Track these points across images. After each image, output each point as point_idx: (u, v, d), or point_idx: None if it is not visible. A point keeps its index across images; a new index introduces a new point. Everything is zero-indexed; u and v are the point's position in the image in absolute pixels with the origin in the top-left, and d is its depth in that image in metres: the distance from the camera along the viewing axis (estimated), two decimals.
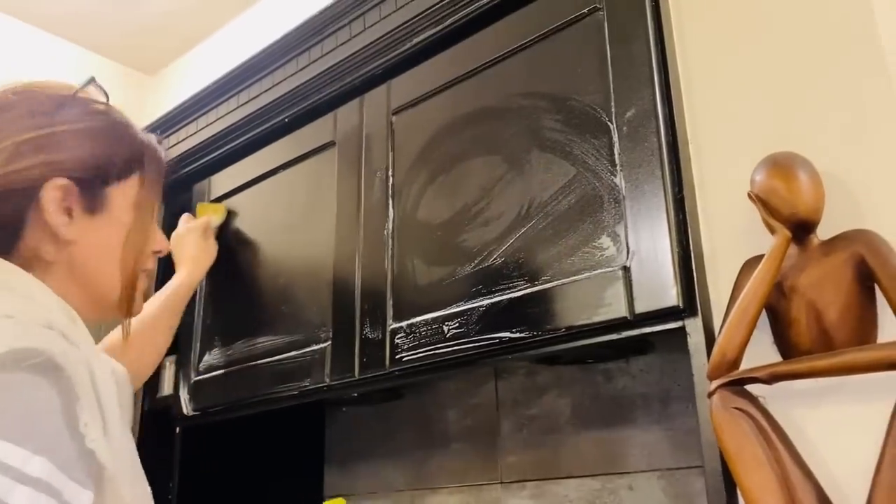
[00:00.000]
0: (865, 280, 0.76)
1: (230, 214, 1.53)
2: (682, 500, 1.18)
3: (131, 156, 0.79)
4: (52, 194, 0.73)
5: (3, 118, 0.74)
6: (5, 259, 0.72)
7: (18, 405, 0.55)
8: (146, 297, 0.96)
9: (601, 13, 1.04)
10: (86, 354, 0.64)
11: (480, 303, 1.06)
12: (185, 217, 1.48)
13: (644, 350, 1.20)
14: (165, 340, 1.26)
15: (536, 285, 1.00)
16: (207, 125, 1.58)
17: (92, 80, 0.82)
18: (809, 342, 0.79)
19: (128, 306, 0.80)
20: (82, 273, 0.76)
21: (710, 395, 0.81)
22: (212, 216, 1.50)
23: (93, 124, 0.77)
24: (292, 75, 1.42)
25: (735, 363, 0.81)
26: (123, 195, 0.79)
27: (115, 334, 1.12)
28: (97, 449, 0.57)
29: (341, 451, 1.70)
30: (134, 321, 1.15)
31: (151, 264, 0.85)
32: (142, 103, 2.67)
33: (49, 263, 0.74)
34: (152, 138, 0.84)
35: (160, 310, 1.25)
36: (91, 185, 0.76)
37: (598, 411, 1.33)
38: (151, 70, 2.73)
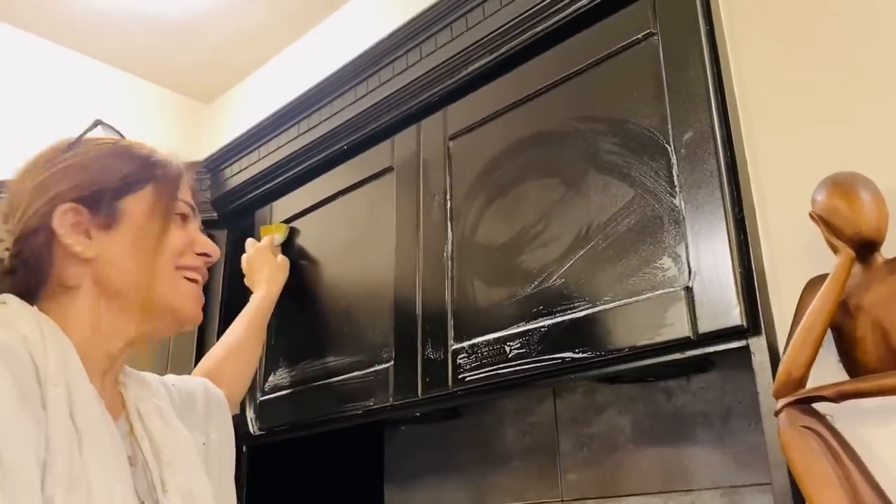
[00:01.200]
0: None
1: (292, 232, 1.57)
2: None
3: (139, 168, 0.85)
4: (62, 219, 0.80)
5: (21, 181, 0.84)
6: (37, 296, 0.80)
7: None
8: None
9: (656, 38, 1.06)
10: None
11: (542, 323, 1.08)
12: (249, 241, 1.52)
13: (704, 368, 1.21)
14: (254, 358, 1.30)
15: (598, 306, 1.02)
16: (269, 153, 1.64)
17: (98, 123, 0.89)
18: (876, 360, 0.79)
19: (179, 312, 0.85)
20: (110, 286, 0.82)
21: (777, 413, 0.82)
22: (274, 234, 1.54)
23: (95, 154, 0.85)
24: (351, 104, 1.47)
25: (801, 382, 0.81)
26: (138, 205, 0.84)
27: (207, 361, 1.19)
28: None
29: (401, 470, 1.73)
30: (221, 346, 1.20)
31: (194, 262, 0.88)
32: (199, 131, 2.77)
33: (75, 289, 0.81)
34: (163, 152, 0.90)
35: (245, 329, 1.29)
36: (101, 203, 0.82)
37: (658, 429, 1.34)
38: (208, 99, 2.83)
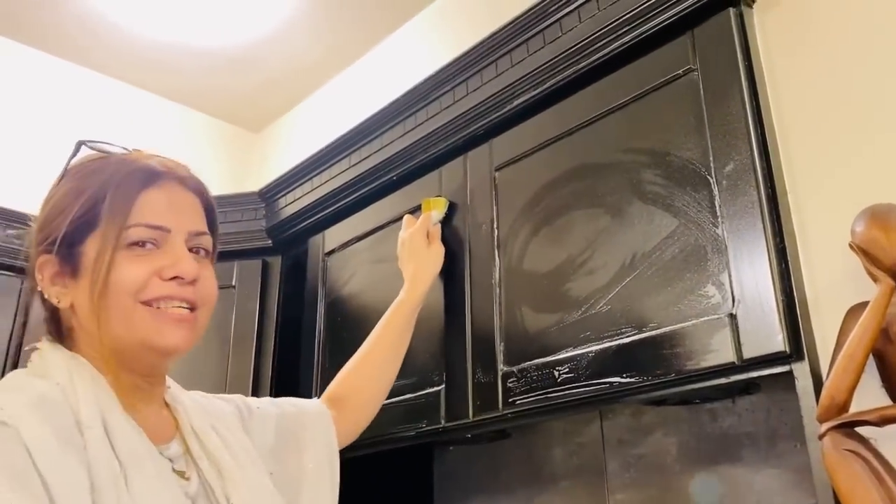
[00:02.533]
0: None
1: (451, 208, 1.45)
2: None
3: (89, 207, 0.80)
4: (41, 274, 0.81)
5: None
6: (64, 335, 0.81)
7: None
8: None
9: (696, 73, 1.10)
10: (27, 432, 0.68)
11: (589, 349, 1.12)
12: (406, 219, 1.43)
13: (750, 390, 1.23)
14: (389, 372, 1.23)
15: (644, 332, 1.06)
16: (322, 184, 1.71)
17: (80, 145, 0.87)
18: None
19: (153, 345, 0.79)
20: (94, 330, 0.79)
21: (821, 437, 0.85)
22: (432, 211, 1.43)
23: (59, 195, 0.83)
24: (400, 137, 1.54)
25: (844, 406, 0.84)
26: (93, 247, 0.79)
27: (332, 387, 1.19)
28: None
29: (450, 490, 1.78)
30: (351, 362, 1.22)
31: (161, 291, 0.80)
32: (248, 160, 2.87)
33: (75, 331, 0.81)
34: (130, 160, 0.83)
35: (376, 341, 1.24)
36: (65, 252, 0.80)
37: (705, 450, 1.36)
38: (257, 128, 2.93)
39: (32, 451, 0.67)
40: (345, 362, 1.57)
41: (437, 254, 1.37)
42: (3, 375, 1.84)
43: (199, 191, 0.87)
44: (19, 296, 1.95)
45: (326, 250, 1.72)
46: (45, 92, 2.42)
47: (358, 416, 1.18)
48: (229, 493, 0.82)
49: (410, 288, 1.30)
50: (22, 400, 0.71)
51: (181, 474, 0.81)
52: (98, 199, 0.80)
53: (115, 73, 2.56)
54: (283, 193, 1.81)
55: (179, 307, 0.81)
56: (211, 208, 0.89)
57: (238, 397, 1.04)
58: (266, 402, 1.06)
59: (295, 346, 1.71)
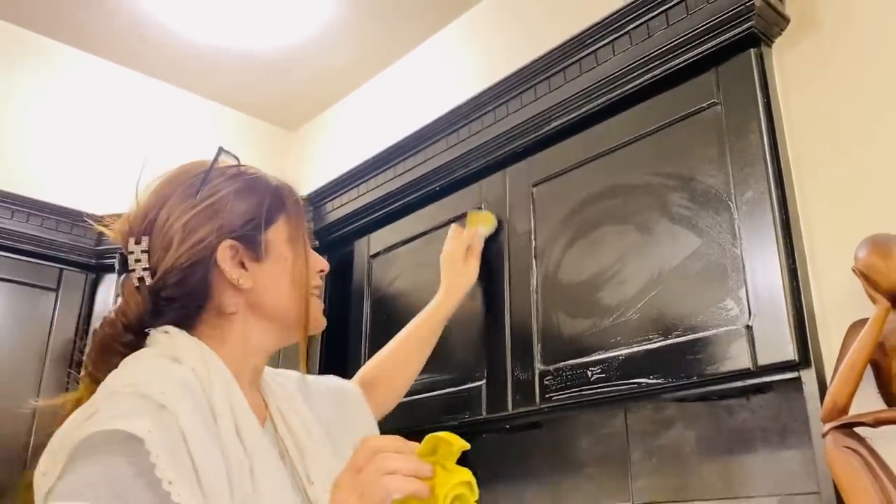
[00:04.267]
0: None
1: (498, 226, 1.55)
2: None
3: (273, 201, 0.91)
4: (223, 255, 0.87)
5: (166, 208, 0.88)
6: (195, 321, 0.88)
7: (106, 476, 0.68)
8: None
9: (719, 107, 1.23)
10: (182, 416, 0.74)
11: (619, 352, 1.26)
12: (453, 230, 1.52)
13: (763, 389, 1.36)
14: (411, 367, 1.33)
15: (670, 338, 1.20)
16: (368, 191, 1.85)
17: (220, 151, 0.94)
18: None
19: (306, 323, 0.91)
20: (262, 310, 0.90)
21: (824, 435, 0.99)
22: (480, 226, 1.51)
23: (236, 186, 0.90)
24: (443, 151, 1.67)
25: (845, 409, 0.98)
26: (278, 236, 0.91)
27: (364, 372, 1.28)
28: (182, 502, 0.68)
29: (483, 473, 1.92)
30: (379, 354, 1.32)
31: (318, 281, 0.97)
32: (284, 157, 3.02)
33: (232, 315, 0.89)
34: (282, 180, 0.96)
35: (406, 338, 1.34)
36: (252, 238, 0.89)
37: (721, 442, 1.50)
38: (294, 126, 3.07)
39: (187, 435, 0.73)
40: None
41: (473, 270, 1.47)
42: (70, 363, 2.02)
43: None
44: (84, 290, 2.11)
45: (371, 253, 1.86)
46: (101, 96, 2.57)
47: (382, 401, 1.26)
48: (309, 471, 0.89)
49: (443, 299, 1.40)
50: (176, 386, 0.77)
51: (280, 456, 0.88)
52: (278, 195, 0.92)
53: (162, 75, 2.72)
54: (330, 199, 1.96)
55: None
56: None
57: (294, 374, 1.09)
58: (317, 380, 1.13)
59: (342, 340, 1.85)
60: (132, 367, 0.81)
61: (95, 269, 2.14)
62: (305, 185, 2.74)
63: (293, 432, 0.92)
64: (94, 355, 0.88)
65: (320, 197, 1.97)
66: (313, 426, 0.96)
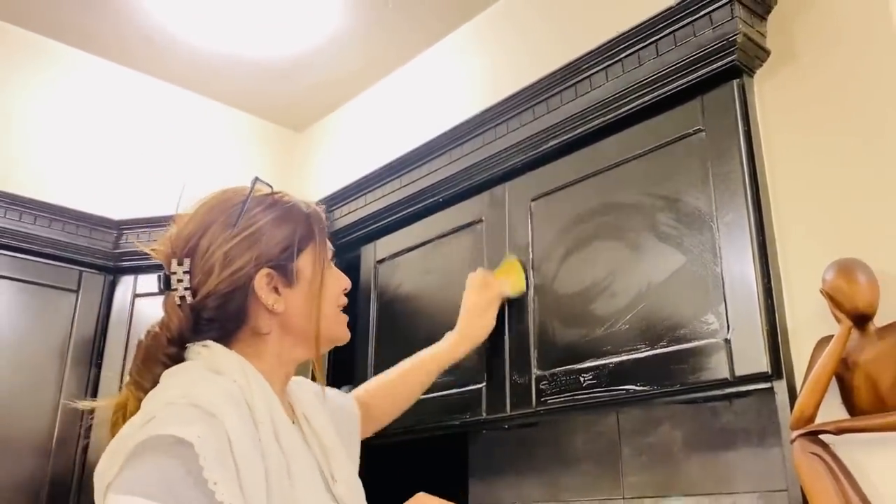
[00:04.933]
0: None
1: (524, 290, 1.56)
2: None
3: (304, 231, 0.99)
4: (262, 282, 0.95)
5: (207, 235, 0.96)
6: (232, 338, 0.95)
7: (159, 474, 0.76)
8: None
9: (704, 134, 1.32)
10: (229, 424, 0.81)
11: (610, 360, 1.36)
12: (476, 279, 1.55)
13: (744, 394, 1.46)
14: (408, 398, 1.40)
15: (656, 349, 1.30)
16: (375, 200, 1.94)
17: (257, 180, 1.01)
18: (868, 404, 1.05)
19: (318, 341, 0.98)
20: (292, 330, 0.98)
21: (792, 441, 1.09)
22: (507, 287, 1.54)
23: (272, 216, 0.98)
24: (447, 165, 1.77)
25: (811, 418, 1.08)
26: (307, 262, 0.98)
27: (361, 392, 1.35)
28: (225, 501, 0.76)
29: (483, 468, 2.03)
30: (383, 378, 1.40)
31: (343, 301, 1.05)
32: (290, 157, 3.12)
33: (265, 335, 0.96)
34: (311, 204, 1.04)
35: (412, 368, 1.41)
36: (285, 265, 0.97)
37: (706, 441, 1.60)
38: (300, 128, 3.16)
39: (233, 442, 0.80)
40: (394, 358, 1.82)
41: (489, 326, 1.53)
42: (91, 359, 2.12)
43: None
44: (102, 291, 2.22)
45: (378, 259, 1.96)
46: (115, 100, 2.66)
47: (372, 424, 1.33)
48: (334, 471, 0.97)
49: (454, 345, 1.47)
50: (222, 396, 0.85)
51: None
52: (309, 225, 1.00)
53: (175, 80, 2.80)
54: (339, 205, 2.05)
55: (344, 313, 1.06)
56: None
57: (309, 382, 1.15)
58: (328, 391, 1.19)
59: (350, 342, 1.94)
60: (184, 379, 0.89)
61: (113, 271, 2.24)
62: (311, 183, 2.84)
63: (318, 434, 1.00)
64: (139, 364, 0.96)
65: (330, 203, 2.06)
66: (332, 429, 1.04)
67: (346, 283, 1.07)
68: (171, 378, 0.91)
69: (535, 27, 2.09)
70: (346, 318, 1.05)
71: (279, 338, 0.98)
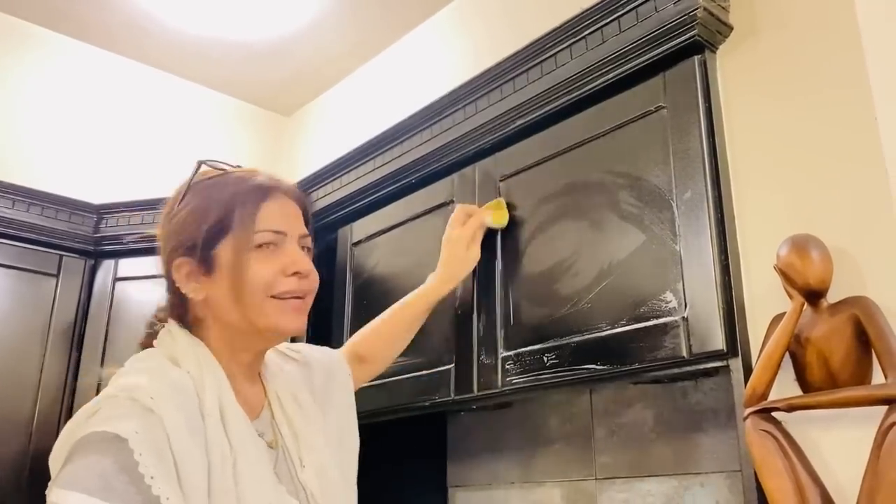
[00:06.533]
0: (861, 335, 1.01)
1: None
2: (743, 497, 1.43)
3: (220, 217, 0.94)
4: (177, 272, 0.96)
5: (161, 221, 1.01)
6: (186, 322, 0.97)
7: (95, 470, 0.78)
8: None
9: (665, 111, 1.31)
10: (167, 418, 0.82)
11: (572, 339, 1.35)
12: (457, 216, 1.53)
13: (711, 374, 1.46)
14: (398, 341, 1.41)
15: (616, 328, 1.29)
16: (350, 182, 1.94)
17: (200, 164, 1.00)
18: (820, 381, 1.04)
19: (279, 329, 0.95)
20: (221, 317, 0.96)
21: (745, 419, 1.08)
22: (489, 217, 1.52)
23: (195, 202, 0.97)
24: (418, 146, 1.76)
25: (764, 396, 1.07)
26: (226, 250, 0.94)
27: (353, 344, 1.35)
28: (162, 495, 0.78)
29: (461, 449, 2.04)
30: (372, 324, 1.39)
31: (287, 286, 0.95)
32: (279, 141, 3.11)
33: (202, 320, 0.97)
34: (258, 181, 0.97)
35: (397, 313, 1.40)
36: (202, 253, 0.95)
37: (676, 421, 1.60)
38: (287, 112, 3.16)
39: (171, 436, 0.82)
40: None
41: (473, 258, 1.51)
42: (72, 343, 2.13)
43: (299, 199, 1.02)
44: (83, 275, 2.22)
45: (353, 241, 1.96)
46: (98, 85, 2.66)
47: (366, 373, 1.34)
48: (302, 455, 0.97)
49: (439, 282, 1.46)
50: (165, 389, 0.86)
51: (271, 444, 0.96)
52: (228, 210, 0.94)
53: (158, 63, 2.80)
54: (316, 188, 2.04)
55: (296, 297, 0.96)
56: (307, 212, 1.03)
57: (296, 353, 1.15)
58: (312, 353, 1.18)
59: (326, 324, 1.95)
60: (132, 370, 0.92)
61: (94, 255, 2.24)
62: (300, 167, 2.84)
63: (289, 417, 1.00)
64: (144, 340, 1.02)
65: (308, 185, 2.06)
66: (308, 408, 1.04)
67: (289, 265, 0.95)
68: (130, 364, 0.94)
69: (516, 4, 2.07)
70: (287, 306, 0.95)
71: (217, 326, 0.97)
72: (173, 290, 0.98)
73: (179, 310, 0.99)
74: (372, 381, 1.48)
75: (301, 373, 1.11)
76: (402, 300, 1.44)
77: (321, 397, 1.11)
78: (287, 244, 0.96)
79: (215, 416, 0.88)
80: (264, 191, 0.97)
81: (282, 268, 0.95)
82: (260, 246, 0.94)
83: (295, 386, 1.06)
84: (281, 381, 1.05)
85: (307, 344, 1.24)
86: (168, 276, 0.98)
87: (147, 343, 1.01)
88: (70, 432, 0.84)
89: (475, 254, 1.51)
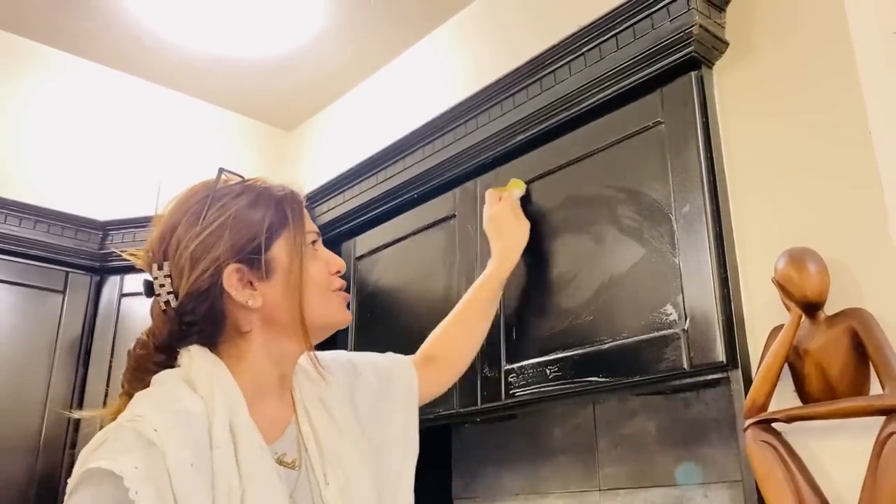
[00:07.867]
0: (859, 347, 1.03)
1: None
2: None
3: (274, 218, 0.92)
4: (229, 280, 0.89)
5: (176, 234, 0.91)
6: (216, 340, 0.91)
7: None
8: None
9: (663, 126, 1.33)
10: (170, 453, 0.78)
11: (574, 352, 1.37)
12: (491, 195, 1.52)
13: (711, 385, 1.47)
14: (480, 331, 1.35)
15: (617, 340, 1.31)
16: (353, 197, 1.96)
17: (221, 171, 0.96)
18: (818, 392, 1.06)
19: (305, 330, 0.92)
20: (277, 323, 0.92)
21: (745, 430, 1.10)
22: (513, 189, 1.53)
23: (237, 208, 0.92)
24: (420, 161, 1.78)
25: (763, 407, 1.09)
26: (282, 250, 0.92)
27: (424, 348, 1.29)
28: None
29: (465, 461, 2.05)
30: (443, 324, 1.32)
31: (338, 284, 0.99)
32: (281, 156, 3.14)
33: (248, 332, 0.92)
34: (286, 186, 0.97)
35: (465, 307, 1.34)
36: (256, 258, 0.90)
37: (679, 432, 1.61)
38: (290, 127, 3.18)
39: (172, 473, 0.78)
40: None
41: (525, 229, 1.47)
42: (78, 359, 2.15)
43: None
44: (89, 291, 2.24)
45: (357, 255, 1.98)
46: (101, 102, 2.68)
47: (442, 376, 1.27)
48: (327, 471, 0.92)
49: (499, 262, 1.40)
50: (172, 420, 0.82)
51: (291, 465, 0.92)
52: (280, 211, 0.93)
53: (162, 80, 2.83)
54: (319, 202, 2.07)
55: (345, 292, 1.00)
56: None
57: (345, 359, 1.12)
58: (366, 363, 1.13)
59: (330, 338, 1.96)
60: (143, 398, 0.87)
61: (99, 271, 2.27)
62: (302, 181, 2.84)
63: (316, 433, 0.95)
64: (129, 374, 0.93)
65: (312, 200, 2.08)
66: (343, 422, 0.98)
67: (337, 264, 0.99)
68: (138, 397, 0.89)
69: (516, 21, 2.10)
70: (342, 299, 0.99)
71: (264, 334, 0.93)
72: (213, 305, 0.91)
73: (210, 327, 0.92)
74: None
75: (344, 380, 1.07)
76: (468, 291, 1.38)
77: (371, 404, 1.07)
78: (320, 244, 1.00)
79: (225, 445, 0.84)
80: (297, 194, 0.99)
81: (327, 265, 0.98)
82: (311, 244, 0.97)
83: (329, 396, 1.01)
84: (310, 390, 1.00)
85: (371, 353, 1.20)
86: (206, 290, 0.90)
87: (145, 370, 0.93)
88: (81, 461, 0.82)
89: (525, 225, 1.48)
